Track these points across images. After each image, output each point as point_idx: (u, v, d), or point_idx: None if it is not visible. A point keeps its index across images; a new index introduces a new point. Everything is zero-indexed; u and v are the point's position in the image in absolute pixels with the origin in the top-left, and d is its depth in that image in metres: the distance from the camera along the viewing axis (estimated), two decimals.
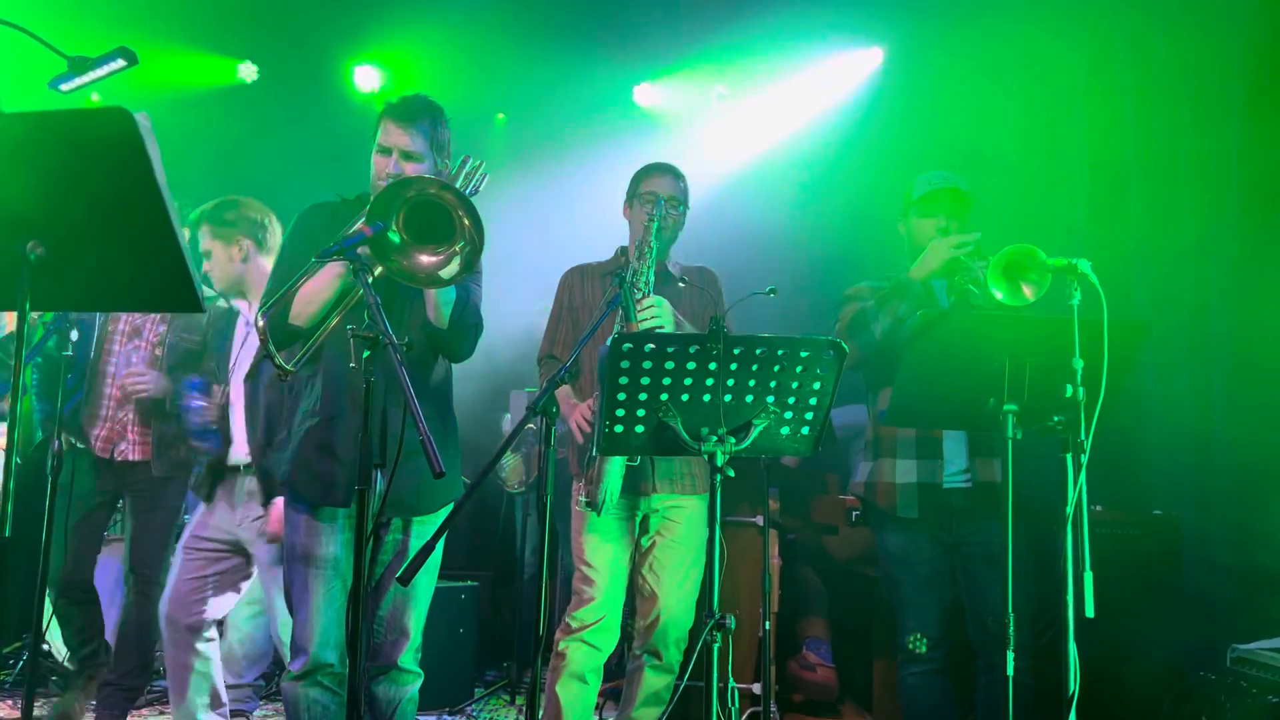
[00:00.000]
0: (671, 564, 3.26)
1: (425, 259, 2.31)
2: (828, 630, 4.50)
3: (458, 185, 2.63)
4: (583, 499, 3.21)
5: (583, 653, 3.19)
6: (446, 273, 2.31)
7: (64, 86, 2.50)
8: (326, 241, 2.39)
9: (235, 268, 3.48)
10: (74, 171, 1.68)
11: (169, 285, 1.77)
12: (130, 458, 3.90)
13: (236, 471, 3.41)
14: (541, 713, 3.25)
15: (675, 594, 3.25)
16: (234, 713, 3.89)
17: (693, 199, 3.45)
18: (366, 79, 6.06)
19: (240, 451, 3.41)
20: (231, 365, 3.49)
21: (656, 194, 3.33)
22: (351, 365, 2.20)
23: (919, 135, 4.89)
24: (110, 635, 4.07)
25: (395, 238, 2.28)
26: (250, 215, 3.50)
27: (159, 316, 3.94)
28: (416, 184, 2.29)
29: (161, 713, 4.43)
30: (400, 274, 2.31)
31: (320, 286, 2.49)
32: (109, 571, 4.50)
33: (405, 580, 2.24)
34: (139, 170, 1.64)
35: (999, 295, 2.79)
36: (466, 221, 2.26)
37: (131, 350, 3.90)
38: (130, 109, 1.62)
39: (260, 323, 2.30)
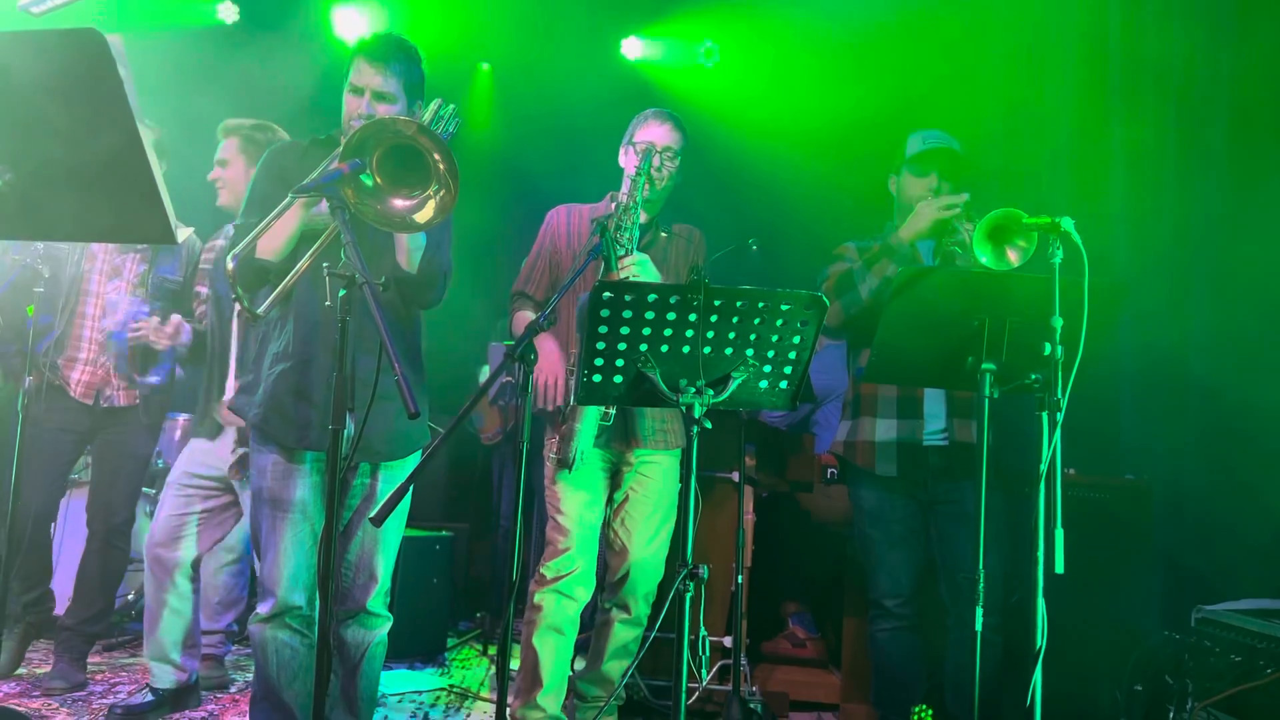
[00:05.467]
0: (643, 519, 3.26)
1: (399, 203, 2.26)
2: (806, 601, 4.56)
3: (425, 115, 2.59)
4: (553, 455, 3.19)
5: (559, 604, 3.18)
6: (420, 217, 2.27)
7: (36, 9, 2.42)
8: (296, 180, 2.33)
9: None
10: (42, 95, 1.63)
11: (141, 215, 1.73)
12: (117, 403, 3.86)
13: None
14: (518, 665, 3.27)
15: (645, 548, 3.26)
16: (206, 656, 3.89)
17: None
18: (347, 23, 5.95)
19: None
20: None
21: (651, 144, 3.21)
22: (326, 303, 2.17)
23: (906, 93, 4.86)
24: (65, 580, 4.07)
25: (369, 180, 2.24)
26: (274, 139, 3.60)
27: (139, 255, 3.89)
28: (392, 126, 2.24)
29: (133, 654, 4.43)
30: (373, 217, 2.27)
31: (283, 220, 2.42)
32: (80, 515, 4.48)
33: (378, 521, 2.23)
34: (110, 94, 1.59)
35: (983, 259, 2.78)
36: (442, 167, 2.21)
37: (112, 290, 3.84)
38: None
39: (230, 265, 2.28)
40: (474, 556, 5.92)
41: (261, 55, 5.66)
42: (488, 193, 5.97)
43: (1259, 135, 3.81)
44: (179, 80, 4.99)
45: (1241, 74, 3.91)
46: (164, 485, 3.61)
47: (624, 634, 3.30)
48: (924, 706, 3.03)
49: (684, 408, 2.44)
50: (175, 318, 3.61)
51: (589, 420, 3.10)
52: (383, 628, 2.77)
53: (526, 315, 3.30)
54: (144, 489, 4.79)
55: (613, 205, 3.33)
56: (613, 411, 3.12)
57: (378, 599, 2.73)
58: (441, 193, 2.23)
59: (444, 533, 4.97)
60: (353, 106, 2.63)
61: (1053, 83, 4.52)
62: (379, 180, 2.24)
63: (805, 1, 5.28)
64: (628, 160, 3.30)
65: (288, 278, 2.41)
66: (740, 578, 3.54)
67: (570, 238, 3.35)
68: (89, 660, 3.94)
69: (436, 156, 2.20)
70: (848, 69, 5.12)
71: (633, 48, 6.10)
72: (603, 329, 2.41)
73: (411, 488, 2.35)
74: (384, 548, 2.72)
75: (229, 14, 5.93)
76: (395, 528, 2.75)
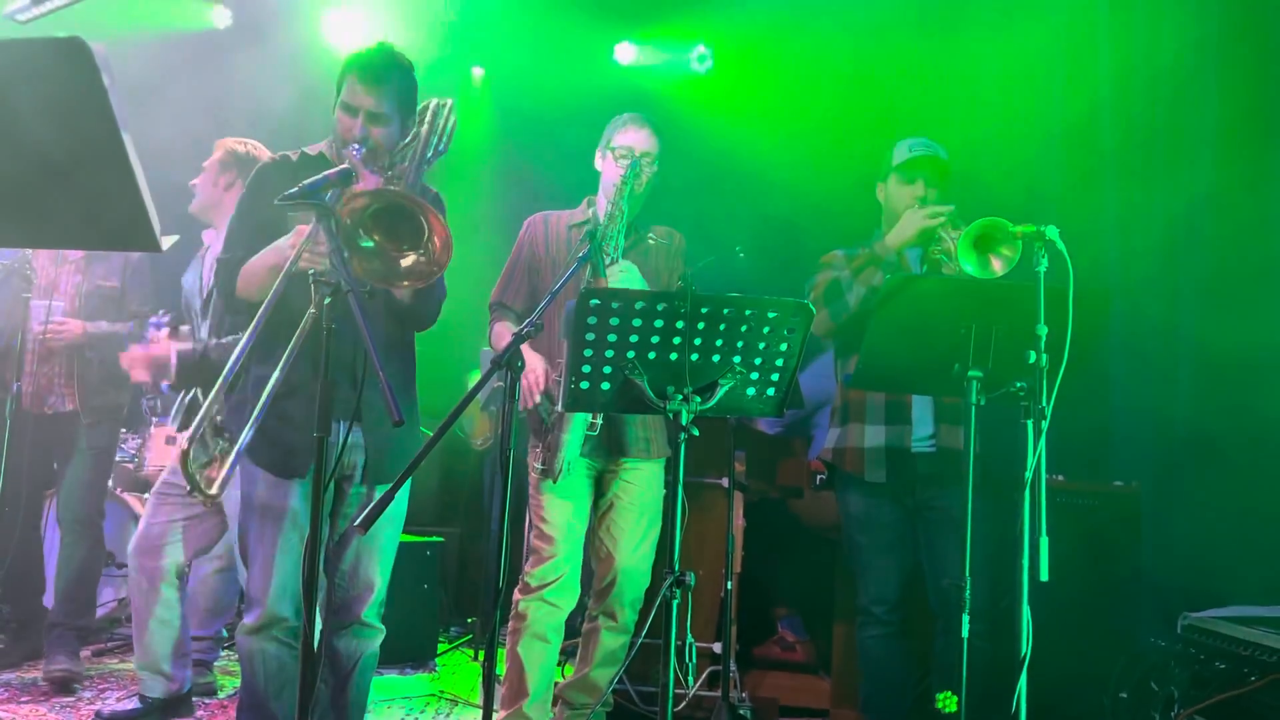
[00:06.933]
0: (629, 526, 3.24)
1: (394, 256, 2.28)
2: (796, 605, 4.57)
3: (424, 126, 2.57)
4: (539, 466, 3.17)
5: (544, 611, 3.17)
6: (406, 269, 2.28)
7: (22, 16, 2.40)
8: None
9: (215, 193, 3.64)
10: (25, 103, 1.62)
11: (126, 223, 1.72)
12: (62, 409, 3.95)
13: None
14: (504, 673, 3.27)
15: (631, 556, 3.24)
16: (196, 663, 3.89)
17: (669, 158, 3.37)
18: (338, 28, 5.93)
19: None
20: (204, 300, 3.54)
21: (632, 150, 3.23)
22: (311, 310, 2.16)
23: (894, 100, 4.88)
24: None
25: (369, 244, 2.24)
26: (256, 159, 3.57)
27: (74, 267, 3.98)
28: (390, 196, 2.25)
29: (123, 660, 4.42)
30: (373, 275, 2.27)
31: (260, 268, 2.43)
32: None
33: (364, 527, 2.21)
34: (95, 103, 1.59)
35: (968, 268, 2.79)
36: (437, 243, 2.22)
37: (51, 302, 3.90)
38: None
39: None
40: (465, 562, 5.91)
41: (253, 60, 5.66)
42: (480, 199, 5.96)
43: (1248, 139, 3.82)
44: (170, 85, 5.00)
45: (1232, 76, 3.93)
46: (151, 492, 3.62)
47: (611, 642, 3.29)
48: (949, 694, 3.02)
49: (671, 415, 2.44)
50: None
51: (575, 431, 3.08)
52: (376, 639, 2.75)
53: (506, 326, 3.28)
54: (139, 493, 4.79)
55: (590, 210, 3.33)
56: (599, 421, 3.11)
57: (372, 610, 2.70)
58: (424, 257, 2.24)
59: (436, 538, 4.96)
60: (347, 126, 2.60)
61: (1044, 87, 4.54)
62: (377, 239, 2.25)
63: (798, 7, 5.28)
64: (605, 165, 3.31)
65: (253, 322, 2.35)
66: (730, 584, 3.54)
67: (549, 245, 3.33)
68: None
69: (437, 241, 2.21)
70: (840, 76, 5.13)
71: (626, 53, 6.10)
72: (589, 336, 2.40)
73: (407, 495, 2.34)
74: (380, 557, 2.69)
75: (221, 19, 5.93)
76: (391, 537, 2.73)
